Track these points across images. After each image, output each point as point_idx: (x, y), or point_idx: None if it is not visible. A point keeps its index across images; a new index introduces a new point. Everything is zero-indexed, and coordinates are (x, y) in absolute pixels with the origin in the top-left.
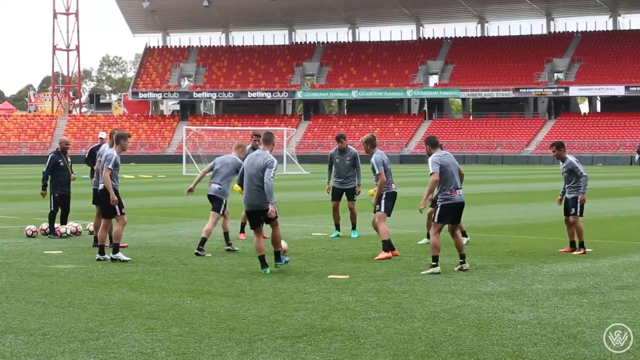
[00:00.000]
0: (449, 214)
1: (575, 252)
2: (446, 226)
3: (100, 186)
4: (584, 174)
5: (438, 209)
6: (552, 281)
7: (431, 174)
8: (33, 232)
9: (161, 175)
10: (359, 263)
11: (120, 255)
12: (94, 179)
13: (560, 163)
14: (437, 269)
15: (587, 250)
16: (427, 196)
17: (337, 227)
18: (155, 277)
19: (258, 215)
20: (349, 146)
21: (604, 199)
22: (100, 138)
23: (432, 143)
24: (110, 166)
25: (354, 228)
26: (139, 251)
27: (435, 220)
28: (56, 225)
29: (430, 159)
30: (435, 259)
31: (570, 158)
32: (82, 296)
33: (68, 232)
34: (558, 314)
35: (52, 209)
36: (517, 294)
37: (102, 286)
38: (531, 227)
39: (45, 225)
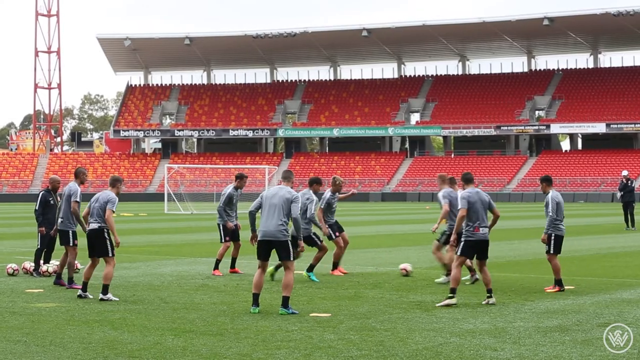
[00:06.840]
0: (471, 249)
1: (548, 289)
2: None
3: (95, 225)
4: (550, 213)
5: (462, 243)
6: (534, 318)
7: (459, 209)
8: (14, 270)
9: (142, 213)
10: (341, 301)
11: (110, 295)
12: (62, 219)
13: None
14: (453, 301)
15: (564, 288)
16: (456, 230)
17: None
18: (137, 316)
19: (270, 246)
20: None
21: (586, 236)
22: None
23: (464, 179)
24: (114, 208)
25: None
26: (121, 290)
27: (458, 253)
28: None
29: (460, 195)
30: (452, 290)
31: (551, 195)
32: (63, 335)
33: (50, 270)
34: (540, 352)
35: (39, 246)
36: (499, 332)
37: (84, 325)
38: (513, 264)
39: (27, 264)
